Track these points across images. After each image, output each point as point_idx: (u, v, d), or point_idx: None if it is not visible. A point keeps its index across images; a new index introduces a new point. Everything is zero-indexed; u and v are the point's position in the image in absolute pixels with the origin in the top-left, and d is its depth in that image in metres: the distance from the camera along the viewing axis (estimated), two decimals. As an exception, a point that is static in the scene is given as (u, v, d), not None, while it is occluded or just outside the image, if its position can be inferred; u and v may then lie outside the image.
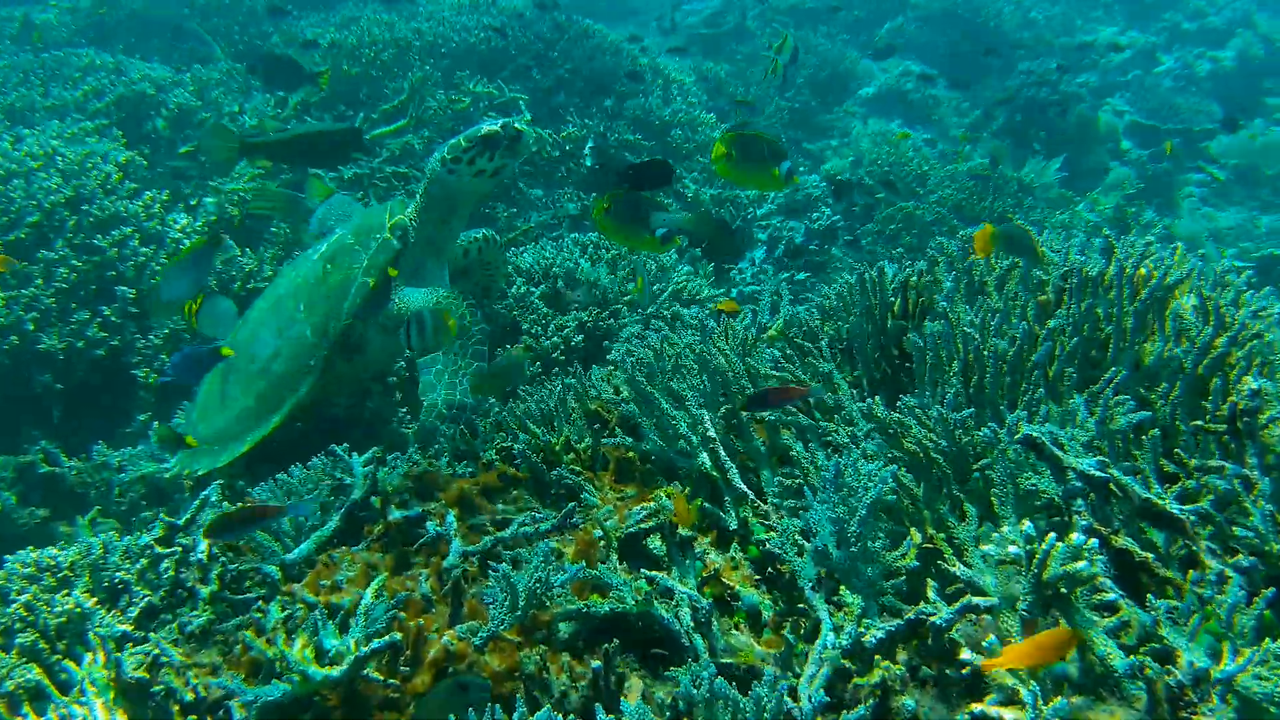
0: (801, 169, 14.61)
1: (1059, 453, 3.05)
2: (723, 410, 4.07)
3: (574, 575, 3.32)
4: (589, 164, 11.14)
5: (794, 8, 22.15)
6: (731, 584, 3.46)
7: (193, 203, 9.17)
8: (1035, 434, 3.08)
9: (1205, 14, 20.42)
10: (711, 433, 3.90)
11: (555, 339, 6.26)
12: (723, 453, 3.86)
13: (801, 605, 3.27)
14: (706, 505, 3.80)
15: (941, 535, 3.28)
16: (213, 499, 4.53)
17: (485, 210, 9.90)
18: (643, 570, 3.40)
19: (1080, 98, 15.48)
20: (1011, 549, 2.80)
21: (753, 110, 12.53)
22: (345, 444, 4.50)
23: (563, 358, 6.21)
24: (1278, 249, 12.87)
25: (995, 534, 3.13)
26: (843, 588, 3.10)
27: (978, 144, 15.53)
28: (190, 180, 9.58)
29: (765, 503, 3.83)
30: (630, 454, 4.20)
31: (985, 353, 3.70)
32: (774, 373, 4.08)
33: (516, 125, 5.39)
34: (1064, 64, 15.94)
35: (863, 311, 4.37)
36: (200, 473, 5.67)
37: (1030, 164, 13.41)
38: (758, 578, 3.55)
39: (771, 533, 3.56)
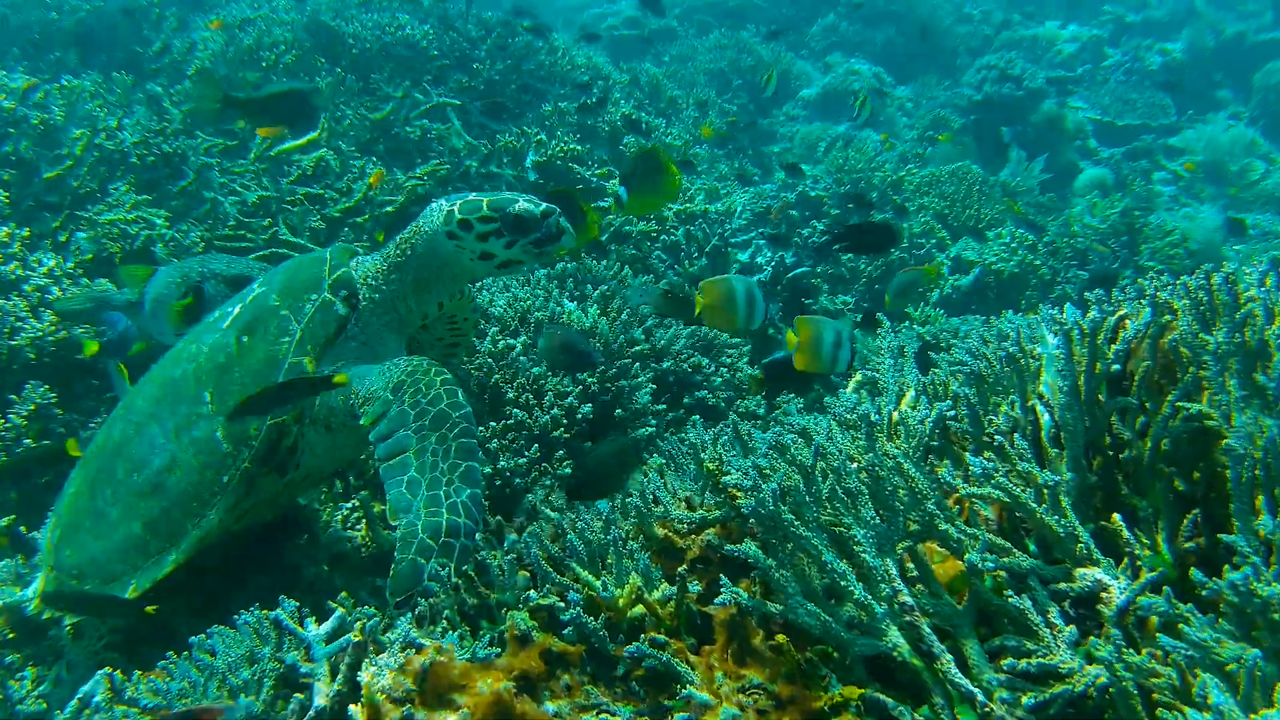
0: (756, 177, 13.32)
1: None
2: (902, 551, 2.62)
3: None
4: (532, 179, 9.63)
5: (712, 5, 21.00)
6: None
7: (62, 238, 7.45)
8: None
9: (1149, 4, 19.59)
10: (907, 598, 2.45)
11: (555, 411, 4.74)
12: (927, 630, 2.42)
13: None
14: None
15: None
16: (96, 697, 2.97)
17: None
18: None
19: (1045, 93, 14.39)
20: None
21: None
22: (292, 601, 2.99)
23: (567, 435, 4.70)
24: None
25: None
26: None
27: (937, 145, 14.34)
28: (60, 213, 7.83)
29: (994, 704, 2.39)
30: (747, 618, 2.72)
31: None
32: (979, 491, 2.64)
33: (561, 222, 4.00)
34: (1017, 58, 14.85)
35: (1070, 388, 2.94)
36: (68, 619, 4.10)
37: (1010, 165, 12.26)
38: None
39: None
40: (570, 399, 4.78)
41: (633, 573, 2.98)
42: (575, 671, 2.83)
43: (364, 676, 2.57)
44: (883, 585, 2.49)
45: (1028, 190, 11.85)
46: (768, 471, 2.69)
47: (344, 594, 3.42)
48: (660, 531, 3.14)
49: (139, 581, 3.89)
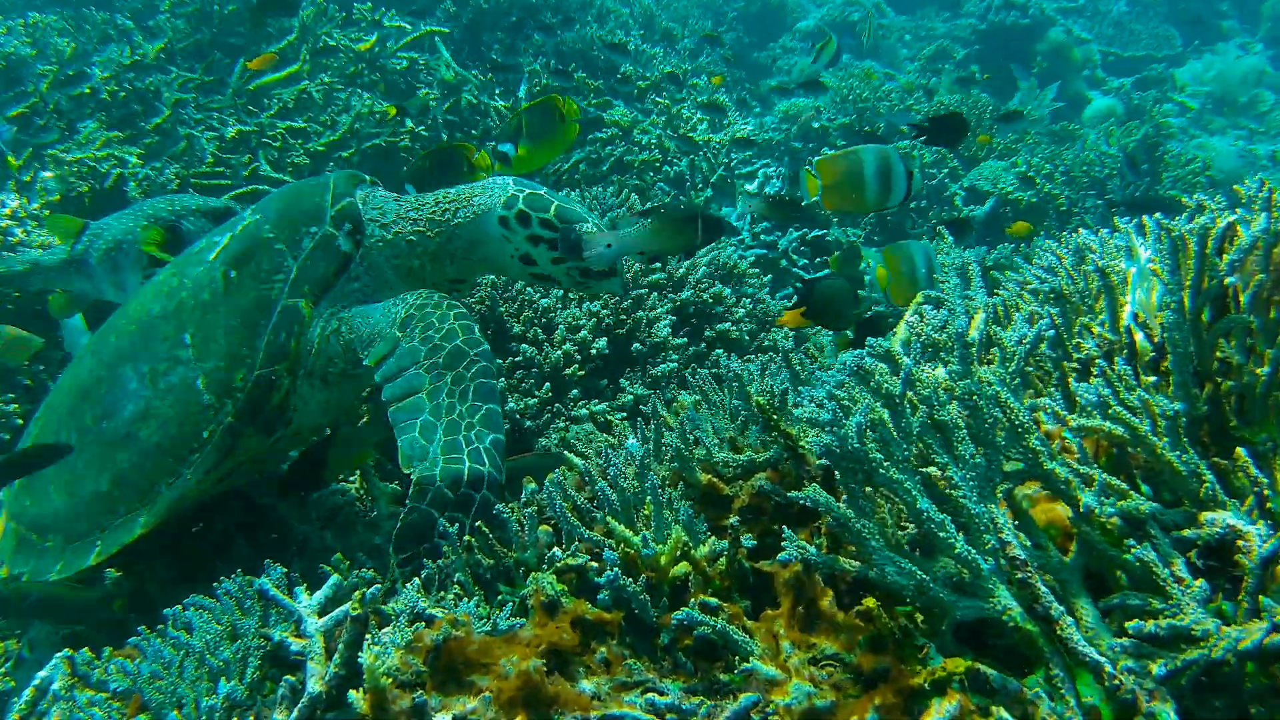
0: (756, 110, 12.85)
1: None
2: (1001, 494, 2.21)
3: None
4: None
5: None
6: None
7: (25, 178, 6.95)
8: None
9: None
10: (1018, 550, 2.04)
11: (567, 347, 4.30)
12: (1043, 589, 2.01)
13: None
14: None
15: None
16: (55, 685, 2.57)
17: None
18: None
19: (1053, 21, 13.85)
20: None
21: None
22: (279, 567, 2.60)
23: (582, 373, 4.27)
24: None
25: None
26: None
27: (941, 76, 13.84)
28: (23, 149, 7.33)
29: (1120, 674, 2.00)
30: (813, 576, 2.32)
31: None
32: (1093, 424, 2.22)
33: (617, 265, 3.66)
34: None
35: (1178, 304, 2.52)
36: (25, 578, 3.67)
37: (1019, 94, 11.79)
38: None
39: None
40: (584, 332, 4.33)
41: (675, 525, 2.57)
42: (614, 643, 2.43)
43: (365, 658, 2.15)
44: (987, 536, 2.08)
45: (1039, 120, 11.37)
46: (847, 404, 2.26)
47: (338, 556, 3.02)
48: (703, 477, 2.73)
49: (104, 544, 3.47)
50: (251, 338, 3.48)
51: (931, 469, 2.16)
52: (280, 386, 3.52)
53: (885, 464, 2.09)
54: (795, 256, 7.85)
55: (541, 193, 3.65)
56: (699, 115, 9.29)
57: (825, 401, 2.27)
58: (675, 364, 4.49)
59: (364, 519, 4.17)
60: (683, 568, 2.54)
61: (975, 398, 2.16)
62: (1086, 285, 2.96)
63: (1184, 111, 14.42)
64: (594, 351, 4.34)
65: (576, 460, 3.00)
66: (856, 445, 2.07)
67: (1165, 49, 15.91)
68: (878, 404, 2.16)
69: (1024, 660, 2.10)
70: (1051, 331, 2.71)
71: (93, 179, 6.86)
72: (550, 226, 3.56)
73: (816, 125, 11.11)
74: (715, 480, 2.72)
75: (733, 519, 2.70)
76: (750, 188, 8.59)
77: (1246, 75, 15.15)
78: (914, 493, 2.09)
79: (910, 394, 2.19)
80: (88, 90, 7.74)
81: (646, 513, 2.61)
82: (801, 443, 2.67)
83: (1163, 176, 9.53)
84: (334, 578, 2.61)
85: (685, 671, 2.39)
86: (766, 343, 4.96)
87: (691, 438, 2.74)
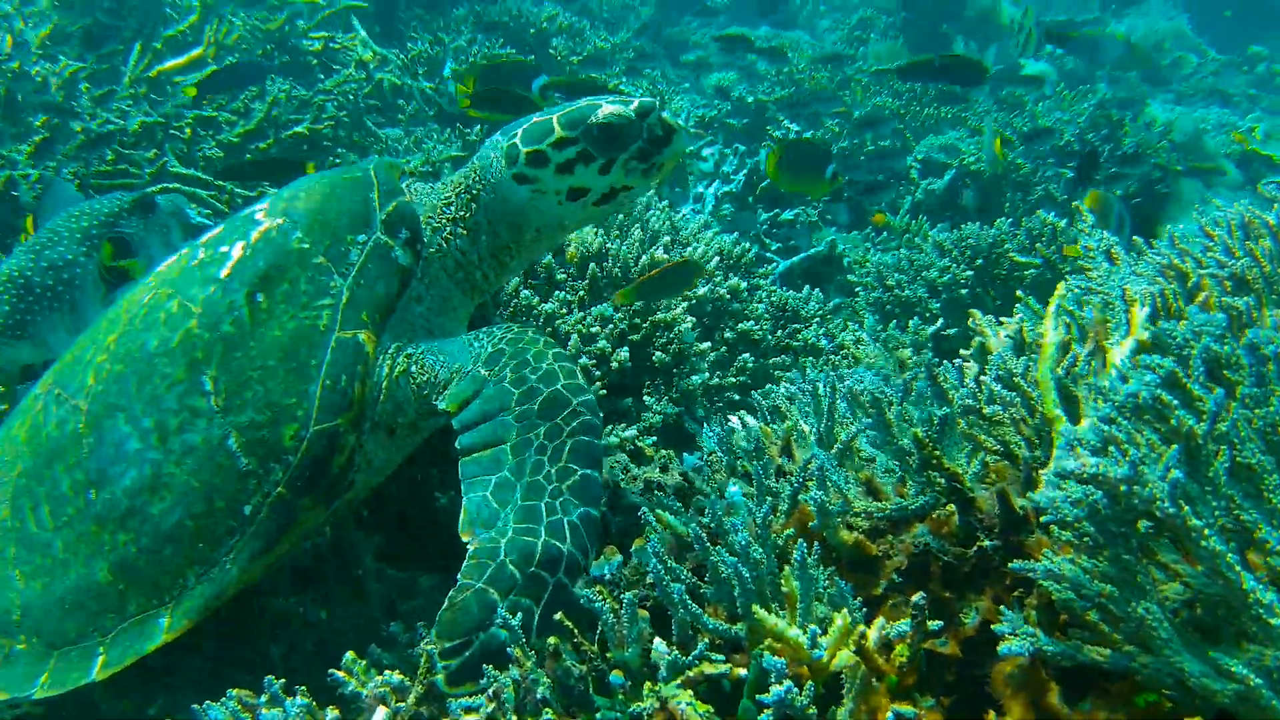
0: (685, 86, 12.26)
1: None
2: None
3: None
4: (453, 89, 8.40)
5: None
6: None
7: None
8: None
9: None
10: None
11: (584, 360, 3.63)
12: None
13: None
14: None
15: None
16: None
17: (335, 160, 7.07)
18: None
19: (979, -19, 13.45)
20: None
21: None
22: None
23: (604, 392, 3.61)
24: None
25: None
26: None
27: (869, 44, 13.40)
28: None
29: None
30: (1039, 671, 1.74)
31: None
32: None
33: (666, 118, 2.95)
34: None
35: None
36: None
37: (958, 60, 11.34)
38: None
39: None
40: (601, 342, 3.65)
41: (820, 605, 1.96)
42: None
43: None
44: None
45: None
46: (1125, 443, 1.66)
47: (351, 656, 2.36)
48: (847, 535, 2.11)
49: (112, 652, 2.66)
50: (300, 382, 2.71)
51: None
52: (344, 445, 2.76)
53: (1196, 524, 1.49)
54: (767, 240, 7.27)
55: (534, 119, 2.97)
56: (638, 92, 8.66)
57: (1105, 446, 1.66)
58: (705, 374, 3.85)
59: (346, 582, 3.47)
60: (842, 657, 1.93)
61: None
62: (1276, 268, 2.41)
63: (1109, 77, 14.17)
64: (615, 365, 3.66)
65: (669, 518, 2.36)
66: (1171, 508, 1.47)
67: (1084, 12, 15.71)
68: (1172, 447, 1.56)
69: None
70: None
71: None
72: (569, 143, 2.89)
73: (752, 100, 10.57)
74: (863, 539, 2.11)
75: (883, 583, 2.11)
76: (705, 167, 7.99)
77: (1166, 37, 15.03)
78: (1237, 568, 1.50)
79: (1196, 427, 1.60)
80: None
81: (789, 588, 1.98)
82: (967, 482, 2.08)
83: (1124, 141, 9.14)
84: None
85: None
86: (795, 343, 4.35)
87: (831, 486, 2.12)
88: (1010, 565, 1.78)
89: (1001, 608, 1.78)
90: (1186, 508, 1.47)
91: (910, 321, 5.28)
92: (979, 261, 5.98)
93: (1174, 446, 1.54)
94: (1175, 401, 1.56)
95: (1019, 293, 4.37)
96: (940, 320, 5.27)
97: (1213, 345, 1.72)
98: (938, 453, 2.06)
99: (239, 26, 7.74)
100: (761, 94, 10.53)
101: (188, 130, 6.61)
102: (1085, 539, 1.66)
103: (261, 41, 7.81)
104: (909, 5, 13.76)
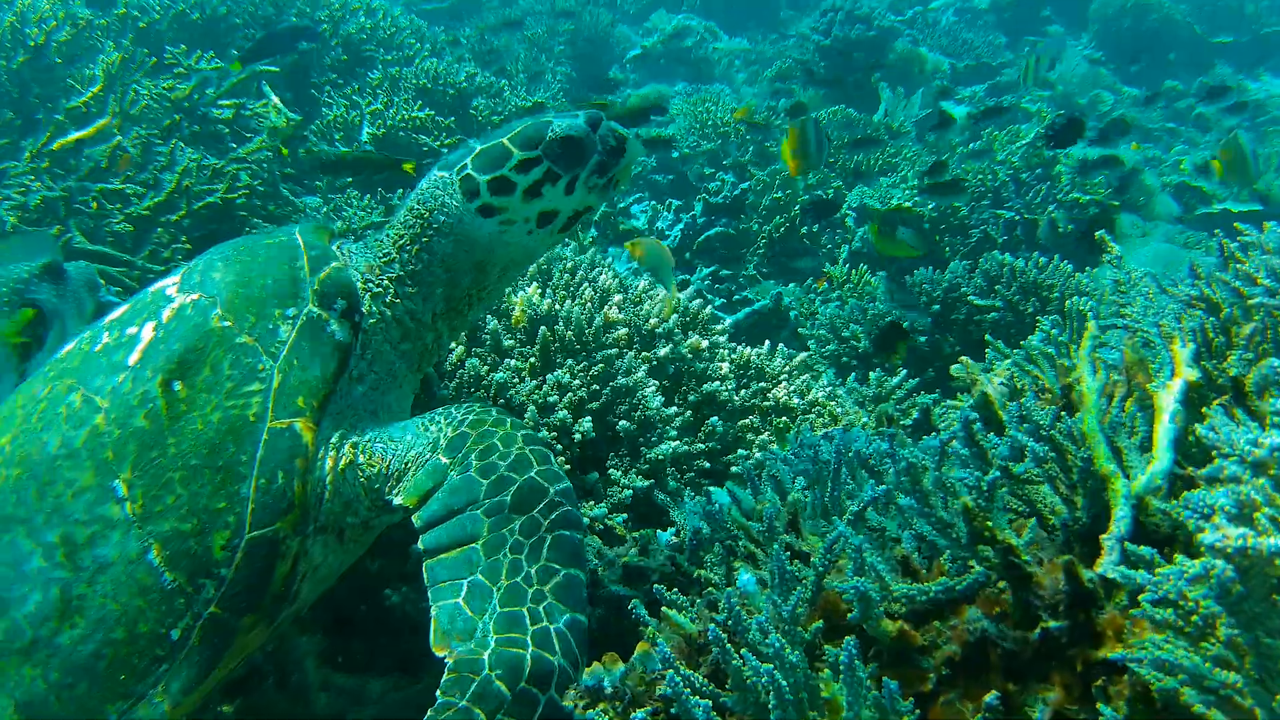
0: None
1: None
2: None
3: None
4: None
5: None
6: None
7: None
8: None
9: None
10: None
11: (543, 433, 3.30)
12: None
13: None
14: None
15: None
16: None
17: (249, 230, 6.70)
18: None
19: (898, 32, 13.50)
20: None
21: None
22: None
23: (568, 467, 3.28)
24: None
25: None
26: None
27: (791, 96, 13.32)
28: None
29: None
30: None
31: None
32: None
33: (617, 129, 2.75)
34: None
35: None
36: None
37: (884, 105, 11.32)
38: None
39: None
40: (561, 412, 3.33)
41: (890, 714, 1.65)
42: None
43: None
44: None
45: (907, 132, 10.87)
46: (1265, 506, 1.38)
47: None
48: (890, 626, 1.81)
49: None
50: (230, 482, 2.35)
51: None
52: (287, 553, 2.40)
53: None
54: (709, 296, 7.02)
55: (482, 145, 2.70)
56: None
57: (1244, 513, 1.38)
58: (675, 442, 3.53)
59: (285, 690, 3.09)
60: (899, 779, 1.62)
61: None
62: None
63: (1029, 116, 14.27)
64: (578, 436, 3.34)
65: (675, 616, 2.04)
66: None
67: (999, 56, 15.87)
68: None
69: None
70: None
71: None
72: (533, 163, 2.63)
73: (676, 155, 10.39)
74: (907, 629, 1.81)
75: (931, 677, 1.82)
76: (638, 224, 7.74)
77: (1085, 77, 15.24)
78: None
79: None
80: None
81: (833, 696, 1.68)
82: (1024, 556, 1.80)
83: (1061, 179, 9.09)
84: None
85: None
86: (767, 403, 4.06)
87: (869, 569, 1.82)
88: (1110, 656, 1.49)
89: (1101, 706, 1.49)
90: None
91: (870, 375, 5.05)
92: (935, 308, 5.78)
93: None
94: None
95: (988, 336, 4.16)
96: (903, 371, 5.04)
97: None
98: (989, 523, 1.78)
99: (145, 96, 7.36)
100: (686, 149, 10.36)
101: (93, 204, 6.22)
102: (1194, 619, 1.39)
103: (170, 111, 7.42)
104: (830, 54, 13.75)
